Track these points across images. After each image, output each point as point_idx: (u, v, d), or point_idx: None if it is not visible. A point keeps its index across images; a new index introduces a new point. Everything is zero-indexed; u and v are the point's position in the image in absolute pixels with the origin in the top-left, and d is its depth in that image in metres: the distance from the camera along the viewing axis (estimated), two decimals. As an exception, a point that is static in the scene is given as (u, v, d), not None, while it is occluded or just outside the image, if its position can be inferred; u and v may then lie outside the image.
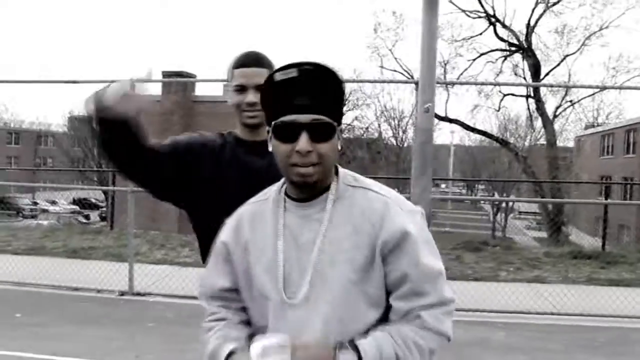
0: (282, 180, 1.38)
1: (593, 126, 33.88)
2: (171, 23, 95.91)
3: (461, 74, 21.60)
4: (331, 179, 1.33)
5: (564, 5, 20.96)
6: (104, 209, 32.99)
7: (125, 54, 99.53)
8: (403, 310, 1.28)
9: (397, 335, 1.25)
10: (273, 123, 1.26)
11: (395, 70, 22.95)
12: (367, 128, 31.74)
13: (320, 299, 1.27)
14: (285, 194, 1.36)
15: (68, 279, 7.01)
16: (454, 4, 20.67)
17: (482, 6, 20.90)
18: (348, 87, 32.19)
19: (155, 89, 24.43)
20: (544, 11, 20.99)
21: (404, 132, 34.24)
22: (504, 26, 21.10)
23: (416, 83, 4.54)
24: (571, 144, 37.54)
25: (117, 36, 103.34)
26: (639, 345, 5.23)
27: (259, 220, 1.37)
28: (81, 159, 41.60)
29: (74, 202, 37.99)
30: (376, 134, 32.74)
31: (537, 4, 20.84)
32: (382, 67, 23.43)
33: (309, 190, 1.31)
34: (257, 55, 1.88)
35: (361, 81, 20.04)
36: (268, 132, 1.29)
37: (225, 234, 1.40)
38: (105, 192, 27.98)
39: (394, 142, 34.99)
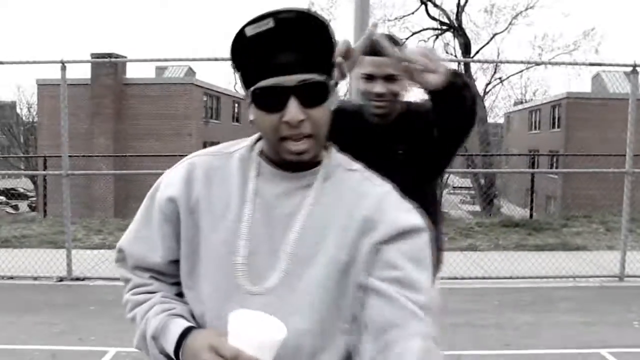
0: (256, 136, 1.14)
1: (521, 103, 35.29)
2: (99, 3, 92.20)
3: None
4: (322, 153, 1.10)
5: (492, -15, 21.66)
6: (34, 198, 31.76)
7: (51, 34, 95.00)
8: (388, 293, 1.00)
9: None
10: (251, 90, 1.01)
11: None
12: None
13: (297, 292, 1.02)
14: (261, 154, 1.11)
15: (1, 268, 6.81)
16: (386, -17, 20.95)
17: (414, -14, 21.28)
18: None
19: (85, 74, 23.66)
20: (473, -10, 21.58)
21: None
22: (435, 5, 21.61)
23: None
24: (501, 120, 39.00)
25: (42, 16, 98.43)
26: (561, 302, 5.65)
27: (217, 177, 1.10)
28: (5, 146, 39.76)
29: (0, 192, 36.33)
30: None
31: (466, -17, 21.41)
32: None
33: (300, 166, 1.07)
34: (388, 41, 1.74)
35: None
36: (245, 99, 1.05)
37: (172, 188, 1.10)
38: (34, 181, 26.92)
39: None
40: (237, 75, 1.05)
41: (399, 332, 0.97)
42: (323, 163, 1.10)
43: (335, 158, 1.13)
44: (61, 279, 6.54)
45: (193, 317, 1.09)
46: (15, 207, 31.41)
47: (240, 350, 0.91)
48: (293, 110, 0.98)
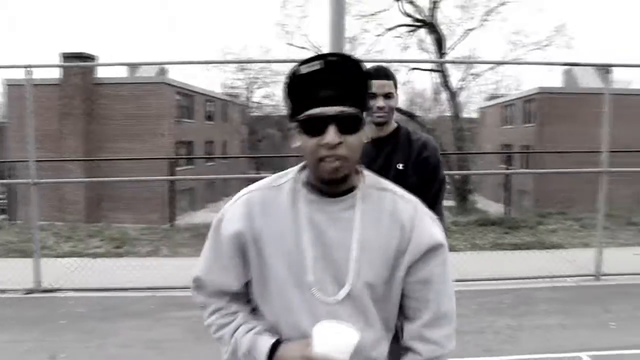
0: (298, 167, 1.36)
1: (495, 97, 35.60)
2: (68, 2, 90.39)
3: (369, 50, 21.90)
4: (356, 178, 1.33)
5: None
6: (5, 201, 30.99)
7: (18, 34, 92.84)
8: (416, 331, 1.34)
9: None
10: (299, 118, 1.23)
11: (303, 48, 22.96)
12: (276, 106, 31.68)
13: (359, 300, 1.28)
14: (306, 185, 1.32)
15: (-35, 280, 6.54)
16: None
17: (387, -18, 21.25)
18: (256, 66, 31.91)
19: (54, 74, 23.10)
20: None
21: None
22: (410, 2, 21.59)
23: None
24: (475, 115, 39.28)
25: (8, 15, 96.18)
26: (540, 303, 5.63)
27: (273, 209, 1.31)
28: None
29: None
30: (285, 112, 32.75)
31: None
32: (290, 44, 23.34)
33: (336, 186, 1.29)
34: (385, 70, 2.42)
35: (268, 61, 19.91)
36: (291, 128, 1.27)
37: (237, 223, 1.31)
38: (3, 185, 26.27)
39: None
40: (287, 106, 1.27)
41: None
42: (359, 186, 1.32)
43: (368, 180, 1.36)
44: (29, 292, 6.31)
45: (267, 330, 1.32)
46: (-16, 211, 30.63)
47: (327, 356, 1.17)
48: (331, 134, 1.20)
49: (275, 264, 1.29)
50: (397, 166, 2.36)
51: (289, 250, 1.28)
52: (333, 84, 1.20)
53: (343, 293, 1.27)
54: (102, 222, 13.10)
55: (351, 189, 1.31)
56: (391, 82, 2.38)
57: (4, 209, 22.78)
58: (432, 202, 2.30)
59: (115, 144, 22.92)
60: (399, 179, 2.12)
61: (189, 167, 26.98)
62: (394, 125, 2.46)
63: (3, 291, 6.35)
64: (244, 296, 1.38)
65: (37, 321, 5.36)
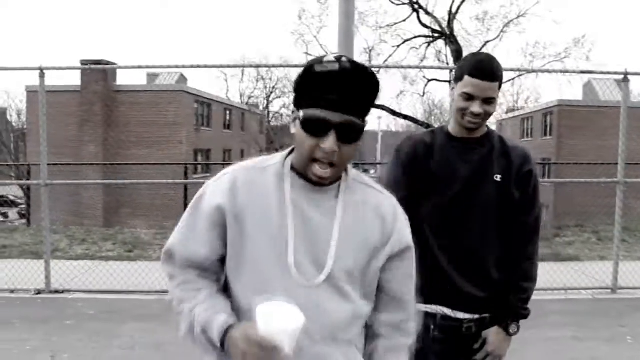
0: (285, 152, 1.38)
1: (513, 110, 35.32)
2: (91, 9, 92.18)
3: (386, 60, 21.90)
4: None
5: (484, -7, 21.65)
6: (24, 206, 31.43)
7: (39, 41, 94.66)
8: (387, 321, 1.42)
9: None
10: (303, 112, 1.25)
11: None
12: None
13: (336, 284, 1.30)
14: (292, 170, 1.34)
15: (-23, 280, 6.59)
16: (377, -10, 20.90)
17: (406, -7, 21.24)
18: (275, 75, 32.03)
19: (75, 80, 23.46)
20: (465, -1, 21.58)
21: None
22: (427, 13, 21.60)
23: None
24: (493, 127, 38.99)
25: (32, 22, 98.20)
26: (552, 315, 5.49)
27: (258, 188, 1.32)
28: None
29: (-10, 200, 35.92)
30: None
31: (458, -9, 21.40)
32: (307, 53, 23.42)
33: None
34: (493, 68, 1.93)
35: (282, 66, 20.04)
36: (293, 113, 1.31)
37: (219, 197, 1.32)
38: (23, 189, 26.64)
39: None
40: (293, 96, 1.30)
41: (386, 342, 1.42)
42: (343, 177, 1.35)
43: (352, 173, 1.39)
44: (39, 292, 6.34)
45: (236, 309, 1.31)
46: (5, 215, 31.05)
47: (266, 338, 1.13)
48: (331, 142, 1.23)
49: (256, 242, 1.30)
50: (495, 177, 2.01)
51: (272, 230, 1.29)
52: (343, 90, 1.21)
53: (322, 277, 1.29)
54: (117, 227, 13.18)
55: (336, 180, 1.34)
56: (496, 84, 1.94)
57: (24, 214, 23.07)
58: (533, 229, 2.13)
59: (134, 150, 23.10)
60: (499, 193, 2.00)
61: (206, 174, 27.09)
62: (484, 128, 2.10)
63: (13, 291, 6.39)
64: (213, 274, 1.38)
65: (44, 321, 5.36)
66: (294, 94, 1.30)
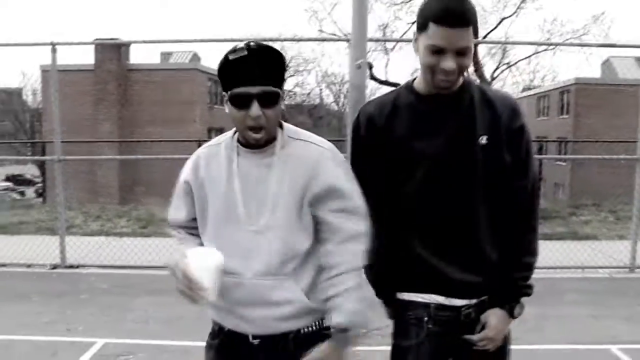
0: (233, 130, 1.66)
1: (529, 89, 34.80)
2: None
3: (401, 36, 21.58)
4: (276, 132, 1.61)
5: (501, -32, 21.19)
6: (40, 184, 31.77)
7: (54, 18, 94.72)
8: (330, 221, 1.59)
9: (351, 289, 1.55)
10: (229, 92, 1.53)
11: (334, 34, 22.74)
12: (308, 94, 31.61)
13: (274, 227, 1.57)
14: (238, 141, 1.64)
15: (-6, 255, 6.65)
16: (392, -34, 20.51)
17: (421, -32, 20.84)
18: (288, 52, 31.81)
19: (89, 59, 23.45)
20: (481, -26, 21.13)
21: (345, 97, 34.34)
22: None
23: (348, 40, 4.44)
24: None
25: (45, 2, 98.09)
26: (567, 294, 5.43)
27: (214, 161, 1.65)
28: (13, 133, 39.71)
29: (7, 179, 36.35)
30: (317, 100, 32.69)
31: (474, -34, 20.96)
32: (321, 30, 23.16)
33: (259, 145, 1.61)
34: (464, 9, 1.56)
35: (293, 40, 19.85)
36: (224, 97, 1.56)
37: (185, 174, 1.71)
38: (40, 167, 26.86)
39: (336, 107, 35.02)
40: (220, 84, 1.57)
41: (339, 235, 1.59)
42: (277, 137, 1.62)
43: (287, 131, 1.65)
44: (54, 267, 6.39)
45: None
46: (22, 193, 31.42)
47: (189, 271, 1.48)
48: (255, 109, 1.52)
49: (213, 204, 1.63)
50: (480, 140, 1.67)
51: (224, 191, 1.61)
52: (256, 67, 1.50)
53: (263, 221, 1.58)
54: (131, 204, 13.25)
55: (271, 140, 1.60)
56: (470, 29, 1.57)
57: (41, 192, 23.35)
58: (532, 194, 1.76)
59: (149, 129, 23.13)
60: (486, 159, 1.66)
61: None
62: (460, 80, 1.70)
63: (30, 266, 6.45)
64: (195, 230, 1.73)
65: (59, 295, 5.41)
66: (220, 82, 1.57)
